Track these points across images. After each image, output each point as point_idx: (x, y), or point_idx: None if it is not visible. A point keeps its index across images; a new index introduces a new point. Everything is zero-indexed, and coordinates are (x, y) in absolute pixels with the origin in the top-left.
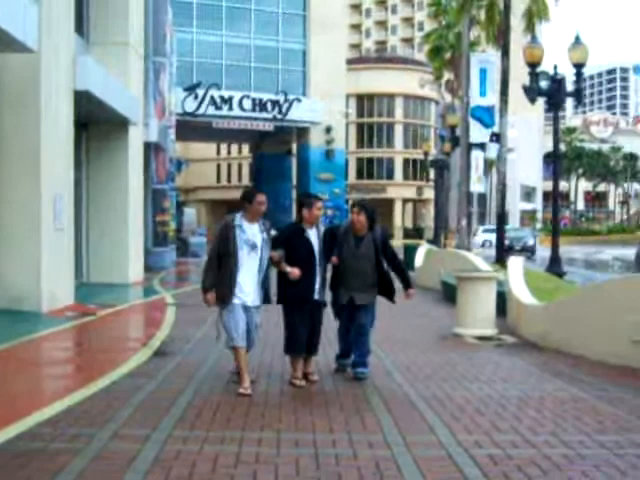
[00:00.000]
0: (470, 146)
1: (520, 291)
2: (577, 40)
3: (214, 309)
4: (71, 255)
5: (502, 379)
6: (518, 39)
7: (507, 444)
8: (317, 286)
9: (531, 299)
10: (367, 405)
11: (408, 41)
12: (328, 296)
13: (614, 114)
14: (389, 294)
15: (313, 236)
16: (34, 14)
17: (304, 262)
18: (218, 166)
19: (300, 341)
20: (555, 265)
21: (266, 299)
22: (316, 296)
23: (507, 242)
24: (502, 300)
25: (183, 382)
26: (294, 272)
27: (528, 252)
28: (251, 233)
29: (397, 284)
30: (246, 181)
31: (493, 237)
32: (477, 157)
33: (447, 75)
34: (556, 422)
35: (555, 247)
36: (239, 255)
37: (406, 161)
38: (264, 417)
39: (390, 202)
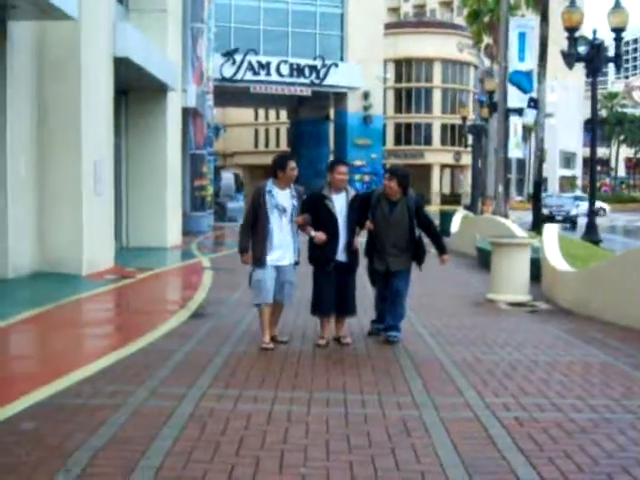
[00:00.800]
0: (508, 111)
1: (554, 258)
2: (617, 4)
3: (249, 272)
4: (111, 219)
5: (533, 344)
6: (558, 3)
7: (534, 407)
8: (341, 248)
9: (565, 266)
10: (398, 367)
11: (447, 4)
12: (363, 261)
13: None
14: (419, 260)
15: (338, 201)
16: None
17: (326, 226)
18: (256, 131)
19: (325, 302)
20: (591, 232)
21: (298, 260)
22: (340, 258)
23: (546, 211)
24: (537, 267)
25: (219, 343)
26: (318, 236)
27: (569, 222)
28: (282, 198)
29: (432, 250)
30: (284, 146)
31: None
32: (515, 123)
33: (486, 40)
34: (583, 387)
35: (591, 214)
36: (270, 219)
37: (444, 126)
38: (297, 377)
39: (428, 168)
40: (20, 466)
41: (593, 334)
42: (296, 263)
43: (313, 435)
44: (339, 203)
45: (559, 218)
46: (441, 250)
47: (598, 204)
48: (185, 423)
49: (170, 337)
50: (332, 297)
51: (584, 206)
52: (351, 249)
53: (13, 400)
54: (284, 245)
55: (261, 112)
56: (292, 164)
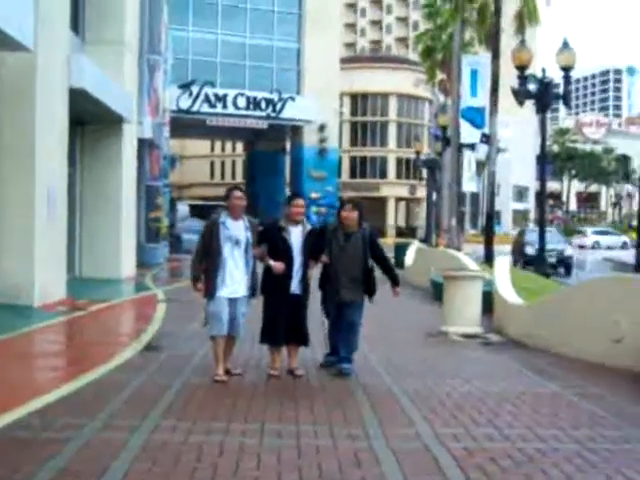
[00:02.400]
0: (461, 146)
1: (506, 290)
2: (565, 44)
3: (203, 305)
4: (64, 249)
5: (484, 376)
6: (510, 41)
7: (483, 437)
8: (295, 280)
9: (516, 298)
10: (350, 399)
11: (403, 40)
12: (317, 294)
13: (607, 116)
14: (371, 292)
15: (295, 233)
16: (30, 13)
17: (282, 257)
18: (212, 163)
19: (275, 330)
20: (541, 265)
21: (253, 293)
22: (293, 289)
23: (530, 251)
24: (489, 299)
25: (172, 375)
26: (277, 266)
27: (562, 265)
28: (235, 229)
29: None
30: (240, 178)
31: (603, 239)
32: (469, 157)
33: (440, 75)
34: (532, 417)
35: (541, 248)
36: (223, 250)
37: (399, 160)
38: (250, 409)
39: (383, 201)
40: None
41: (542, 365)
42: (252, 295)
43: (265, 467)
44: (295, 235)
45: (551, 260)
46: (394, 282)
47: (622, 238)
48: (136, 456)
49: (123, 370)
50: (282, 327)
51: (610, 240)
52: (305, 281)
53: None
54: (237, 277)
55: (217, 144)
56: (236, 193)
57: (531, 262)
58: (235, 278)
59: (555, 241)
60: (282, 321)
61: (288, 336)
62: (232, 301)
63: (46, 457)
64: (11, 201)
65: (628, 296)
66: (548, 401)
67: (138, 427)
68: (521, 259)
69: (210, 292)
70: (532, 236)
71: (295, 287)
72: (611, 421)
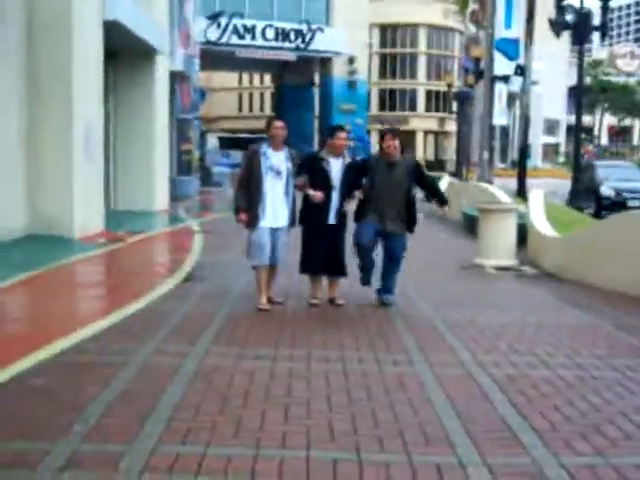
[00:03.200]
0: (494, 78)
1: (540, 223)
2: None
3: (239, 236)
4: (101, 184)
5: (521, 307)
6: None
7: (524, 365)
8: (333, 212)
9: (550, 231)
10: (391, 327)
11: None
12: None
13: None
14: (412, 223)
15: (335, 165)
16: None
17: (320, 188)
18: (240, 96)
19: (313, 260)
20: (575, 199)
21: (292, 222)
22: (331, 220)
23: (609, 192)
24: (523, 232)
25: (216, 304)
26: (316, 195)
27: None
28: (276, 160)
29: (420, 215)
30: (268, 111)
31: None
32: (500, 90)
33: (472, 5)
34: (571, 346)
35: (575, 181)
36: (264, 180)
37: (429, 93)
38: (295, 336)
39: (412, 134)
40: (35, 418)
41: (578, 297)
42: (291, 224)
43: (314, 389)
44: (335, 167)
45: (633, 204)
46: (443, 202)
47: None
48: (190, 379)
49: (168, 298)
50: (321, 256)
51: None
52: (341, 212)
53: (17, 359)
54: (278, 207)
55: (245, 76)
56: (277, 123)
57: (609, 207)
58: (276, 208)
59: (636, 178)
60: (320, 251)
61: (326, 266)
62: (273, 231)
63: (106, 379)
64: (50, 140)
65: None
66: (586, 331)
67: (189, 353)
68: (591, 203)
69: (252, 223)
70: (609, 172)
71: (332, 218)
72: None
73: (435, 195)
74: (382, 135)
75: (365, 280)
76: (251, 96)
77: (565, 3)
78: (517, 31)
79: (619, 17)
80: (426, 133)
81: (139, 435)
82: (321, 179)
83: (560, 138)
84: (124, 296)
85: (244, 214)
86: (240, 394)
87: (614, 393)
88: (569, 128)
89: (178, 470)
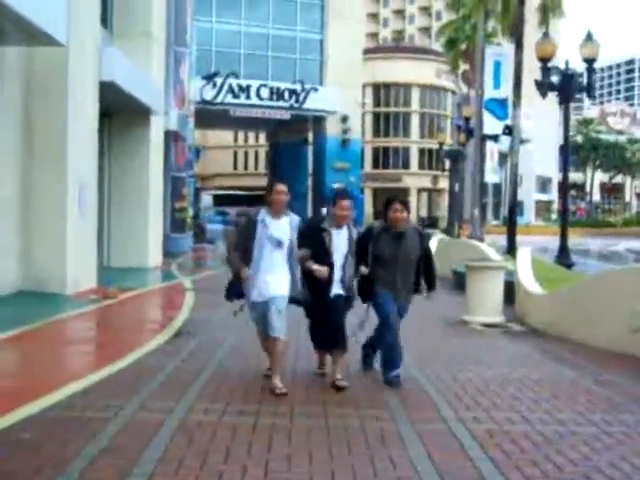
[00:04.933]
0: (484, 137)
1: (527, 280)
2: (588, 36)
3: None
4: (94, 241)
5: (505, 363)
6: (534, 32)
7: (504, 420)
8: (335, 287)
9: (537, 288)
10: (375, 383)
11: (426, 30)
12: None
13: (632, 105)
14: (430, 286)
15: (338, 236)
16: (63, 8)
17: (321, 263)
18: (235, 153)
19: (316, 335)
20: (564, 256)
21: (296, 299)
22: (333, 294)
23: None
24: (510, 289)
25: (204, 360)
26: (321, 270)
27: None
28: (276, 229)
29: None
30: (262, 169)
31: None
32: (491, 148)
33: (463, 66)
34: (552, 402)
35: (564, 238)
36: (258, 252)
37: (422, 151)
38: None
39: (405, 191)
40: (20, 472)
41: (562, 353)
42: (296, 302)
43: (296, 444)
44: (339, 239)
45: None
46: (432, 287)
47: None
48: (174, 434)
49: (156, 354)
50: (322, 331)
51: None
52: (348, 287)
53: (6, 413)
54: (270, 278)
55: (240, 135)
56: (279, 187)
57: None
58: (267, 280)
59: None
60: (323, 326)
61: (327, 341)
62: (269, 300)
63: (91, 434)
64: (44, 196)
65: None
66: (567, 387)
67: (174, 408)
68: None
69: (246, 296)
70: None
71: (334, 291)
72: (627, 406)
73: (430, 278)
74: (388, 203)
75: (393, 363)
76: (246, 154)
77: (550, 65)
78: (505, 91)
79: (610, 76)
80: (419, 190)
81: None
82: (320, 251)
83: (553, 195)
84: (114, 352)
85: (244, 271)
86: (222, 449)
87: (591, 448)
88: (561, 185)
89: None
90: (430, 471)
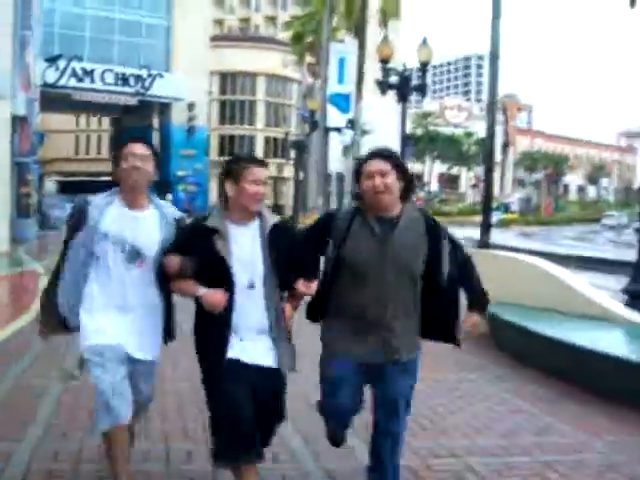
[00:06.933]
0: (328, 129)
1: None
2: (424, 42)
3: None
4: None
5: None
6: (377, 30)
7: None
8: (254, 329)
9: None
10: None
11: (272, 19)
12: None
13: (469, 100)
14: (449, 333)
15: (243, 236)
16: None
17: (215, 284)
18: (77, 137)
19: (229, 434)
20: None
21: (167, 337)
22: (251, 352)
23: None
24: None
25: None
26: (214, 297)
27: None
28: (129, 226)
29: None
30: (105, 153)
31: None
32: (336, 139)
33: (309, 58)
34: None
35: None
36: (99, 265)
37: (267, 139)
38: None
39: None
40: None
41: None
42: (170, 339)
43: None
44: (244, 240)
45: None
46: (482, 307)
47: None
48: None
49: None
50: (247, 424)
51: None
52: (280, 330)
53: None
54: (130, 313)
55: (82, 119)
56: (133, 148)
57: None
58: (126, 314)
59: None
60: (246, 411)
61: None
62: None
63: None
64: None
65: None
66: None
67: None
68: None
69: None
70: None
71: (256, 346)
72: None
73: (474, 292)
74: (359, 166)
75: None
76: (88, 138)
77: (389, 66)
78: (349, 86)
79: (448, 71)
80: None
81: None
82: (213, 269)
83: None
84: None
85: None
86: None
87: None
88: None
89: None
90: None
